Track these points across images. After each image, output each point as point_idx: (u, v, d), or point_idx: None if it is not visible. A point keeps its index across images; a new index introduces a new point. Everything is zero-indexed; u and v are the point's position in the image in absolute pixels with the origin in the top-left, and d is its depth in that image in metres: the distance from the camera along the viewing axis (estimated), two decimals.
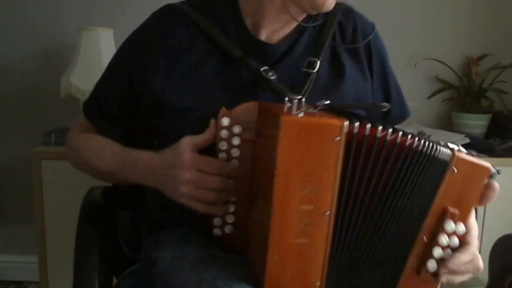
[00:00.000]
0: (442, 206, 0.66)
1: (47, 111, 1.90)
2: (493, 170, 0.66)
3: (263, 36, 0.84)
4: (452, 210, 0.66)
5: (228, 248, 0.75)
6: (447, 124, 2.04)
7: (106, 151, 0.85)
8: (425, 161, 0.64)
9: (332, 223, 0.63)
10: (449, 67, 1.97)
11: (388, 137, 0.62)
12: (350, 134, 0.61)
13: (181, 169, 0.71)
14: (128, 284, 0.93)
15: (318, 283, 0.65)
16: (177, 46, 0.82)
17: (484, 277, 1.50)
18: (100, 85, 0.92)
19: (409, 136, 0.63)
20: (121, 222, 1.00)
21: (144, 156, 0.79)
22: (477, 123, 1.92)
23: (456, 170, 0.64)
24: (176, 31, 0.83)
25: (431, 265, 0.68)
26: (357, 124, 0.61)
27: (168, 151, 0.74)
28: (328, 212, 0.62)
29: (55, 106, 1.85)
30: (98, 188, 1.00)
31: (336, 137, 0.60)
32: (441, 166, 0.64)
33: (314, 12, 0.82)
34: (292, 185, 0.61)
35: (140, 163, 0.78)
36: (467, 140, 1.76)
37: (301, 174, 0.60)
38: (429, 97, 2.04)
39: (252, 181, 0.72)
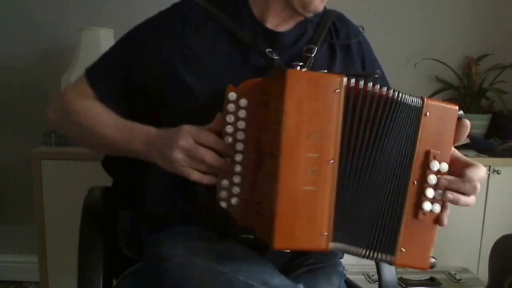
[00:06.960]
0: (425, 150, 0.72)
1: None
2: (460, 111, 0.74)
3: (269, 26, 0.90)
4: (434, 151, 0.72)
5: (234, 222, 0.76)
6: None
7: (108, 118, 0.88)
8: (403, 108, 0.71)
9: (336, 172, 0.68)
10: (449, 67, 1.97)
11: (376, 91, 0.70)
12: (348, 88, 0.68)
13: (178, 135, 0.75)
14: (128, 284, 0.93)
15: (325, 233, 0.68)
16: (192, 26, 0.88)
17: (484, 277, 1.50)
18: (112, 59, 0.93)
19: (385, 88, 0.70)
20: (121, 222, 1.00)
21: (143, 127, 0.84)
22: (477, 123, 1.92)
23: (428, 114, 0.72)
24: (190, 17, 0.89)
25: (427, 206, 0.72)
26: (353, 80, 0.69)
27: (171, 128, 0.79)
28: (332, 161, 0.68)
29: None
30: (98, 188, 1.00)
31: (336, 89, 0.67)
32: (416, 111, 0.72)
33: (305, 13, 0.87)
34: (299, 133, 0.66)
35: (138, 131, 0.83)
36: (467, 140, 1.75)
37: (306, 123, 0.67)
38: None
39: (257, 151, 0.74)
